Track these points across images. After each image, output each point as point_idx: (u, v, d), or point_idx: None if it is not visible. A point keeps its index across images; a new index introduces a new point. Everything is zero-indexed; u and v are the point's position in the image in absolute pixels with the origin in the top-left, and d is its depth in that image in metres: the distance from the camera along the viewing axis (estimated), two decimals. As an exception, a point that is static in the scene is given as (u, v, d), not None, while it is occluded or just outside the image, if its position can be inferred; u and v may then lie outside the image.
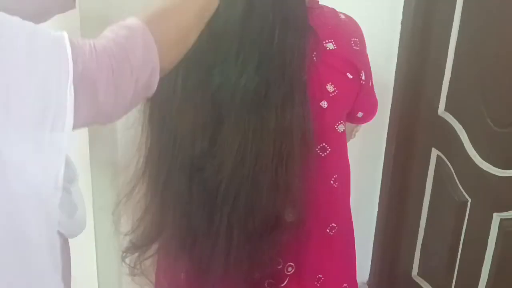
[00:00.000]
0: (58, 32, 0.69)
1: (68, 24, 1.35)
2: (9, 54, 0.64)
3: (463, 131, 1.66)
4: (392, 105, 1.89)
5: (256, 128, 0.96)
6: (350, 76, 1.03)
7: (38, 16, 1.00)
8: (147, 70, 0.77)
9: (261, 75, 0.95)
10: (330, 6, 1.07)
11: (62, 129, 0.67)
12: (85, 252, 1.57)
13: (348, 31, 1.04)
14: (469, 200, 1.67)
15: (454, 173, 1.71)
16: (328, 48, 1.00)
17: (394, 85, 1.87)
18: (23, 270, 0.71)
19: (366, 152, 1.95)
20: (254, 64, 0.94)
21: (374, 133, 1.92)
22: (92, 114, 0.73)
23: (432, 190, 1.84)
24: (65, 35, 0.69)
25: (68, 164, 0.71)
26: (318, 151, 1.04)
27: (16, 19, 0.66)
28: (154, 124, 1.05)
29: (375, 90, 1.18)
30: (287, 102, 0.97)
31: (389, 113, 1.91)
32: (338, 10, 1.08)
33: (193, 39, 0.85)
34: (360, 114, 1.15)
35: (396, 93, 1.87)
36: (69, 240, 0.99)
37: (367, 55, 1.09)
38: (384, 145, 1.96)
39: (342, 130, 1.08)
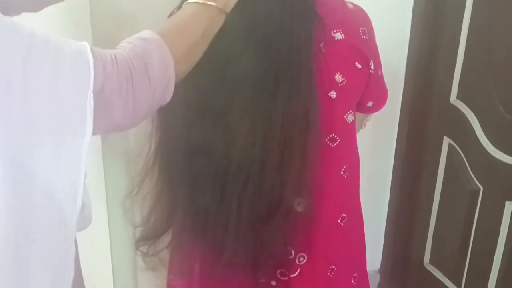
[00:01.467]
0: (80, 43, 0.73)
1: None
2: (37, 63, 0.67)
3: (475, 119, 1.65)
4: (403, 93, 1.88)
5: (264, 113, 0.98)
6: (359, 66, 1.03)
7: (31, 5, 1.02)
8: (164, 79, 0.81)
9: (269, 61, 0.96)
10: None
11: (82, 135, 0.71)
12: (99, 243, 1.59)
13: (356, 21, 1.04)
14: (481, 188, 1.66)
15: (466, 162, 1.71)
16: (336, 38, 1.00)
17: (406, 73, 1.85)
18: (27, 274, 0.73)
19: (377, 140, 1.95)
20: (262, 50, 0.95)
21: (386, 121, 1.91)
22: (111, 122, 0.77)
23: (444, 178, 1.83)
24: (87, 45, 0.73)
25: None
26: (328, 142, 1.04)
27: (42, 33, 0.70)
28: (163, 111, 1.06)
29: (386, 79, 1.17)
30: (294, 89, 0.97)
31: (400, 101, 1.90)
32: (347, -1, 1.08)
33: (202, 51, 0.90)
34: (370, 104, 1.15)
35: (408, 81, 1.86)
36: (84, 232, 1.01)
37: (376, 44, 1.09)
38: (396, 134, 1.96)
39: (352, 120, 1.08)
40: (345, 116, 1.05)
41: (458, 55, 1.67)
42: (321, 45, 0.99)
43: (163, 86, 0.81)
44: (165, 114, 1.05)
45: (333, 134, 1.04)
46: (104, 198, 1.58)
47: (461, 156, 1.73)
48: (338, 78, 1.01)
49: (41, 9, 1.04)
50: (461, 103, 1.70)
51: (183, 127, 1.02)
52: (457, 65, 1.69)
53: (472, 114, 1.66)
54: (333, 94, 1.01)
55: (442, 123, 1.80)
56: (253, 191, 0.99)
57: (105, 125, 0.76)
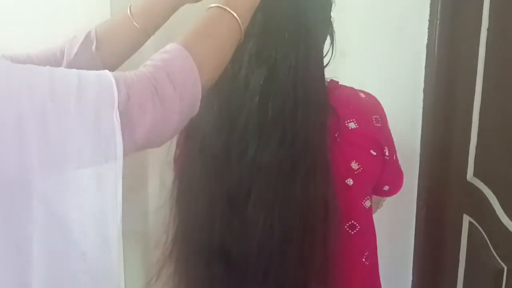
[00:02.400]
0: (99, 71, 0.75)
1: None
2: (63, 90, 0.69)
3: (493, 196, 1.63)
4: (419, 173, 1.88)
5: (281, 203, 0.98)
6: (374, 153, 1.04)
7: None
8: (189, 84, 0.80)
9: (284, 152, 0.97)
10: (351, 84, 1.11)
11: (114, 157, 0.71)
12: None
13: (369, 109, 1.07)
14: (505, 267, 1.62)
15: (487, 240, 1.68)
16: (350, 128, 1.02)
17: (421, 153, 1.87)
18: None
19: (397, 222, 1.93)
20: (276, 141, 0.97)
21: (403, 202, 1.91)
22: (144, 136, 0.76)
23: (466, 258, 1.80)
24: (107, 70, 0.75)
25: None
26: (347, 229, 1.04)
27: (63, 69, 0.73)
28: (180, 205, 1.08)
29: (401, 160, 1.19)
30: (310, 178, 0.99)
31: (417, 181, 1.90)
32: (359, 84, 1.11)
33: (229, 52, 0.89)
34: (386, 188, 1.16)
35: (423, 161, 1.87)
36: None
37: (389, 129, 1.11)
38: (414, 214, 1.94)
39: (369, 206, 1.08)
40: (363, 203, 1.06)
41: (472, 133, 1.69)
42: (336, 135, 1.01)
43: (190, 91, 0.81)
44: (181, 204, 1.07)
45: (353, 221, 1.04)
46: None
47: (482, 234, 1.70)
48: (354, 165, 1.02)
49: None
50: (478, 180, 1.70)
51: (199, 217, 1.03)
52: (471, 143, 1.70)
53: (490, 191, 1.65)
54: (349, 182, 1.02)
55: (460, 201, 1.79)
56: (276, 285, 0.98)
57: (138, 136, 0.75)
